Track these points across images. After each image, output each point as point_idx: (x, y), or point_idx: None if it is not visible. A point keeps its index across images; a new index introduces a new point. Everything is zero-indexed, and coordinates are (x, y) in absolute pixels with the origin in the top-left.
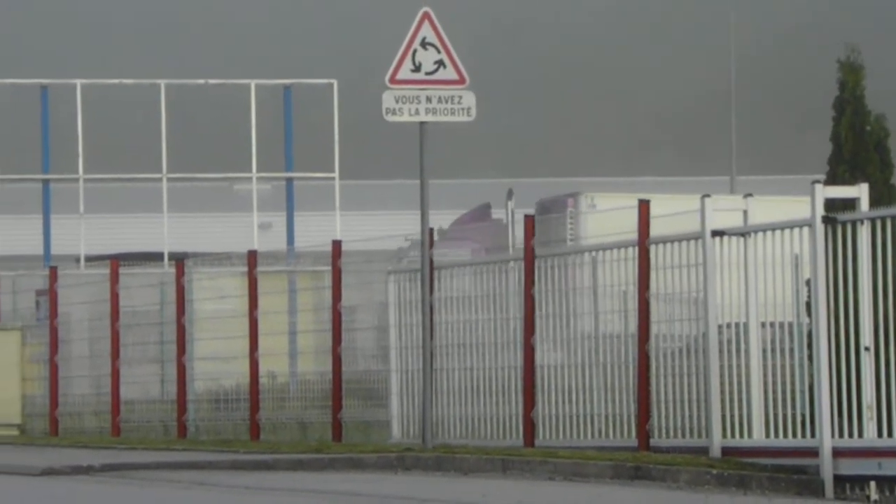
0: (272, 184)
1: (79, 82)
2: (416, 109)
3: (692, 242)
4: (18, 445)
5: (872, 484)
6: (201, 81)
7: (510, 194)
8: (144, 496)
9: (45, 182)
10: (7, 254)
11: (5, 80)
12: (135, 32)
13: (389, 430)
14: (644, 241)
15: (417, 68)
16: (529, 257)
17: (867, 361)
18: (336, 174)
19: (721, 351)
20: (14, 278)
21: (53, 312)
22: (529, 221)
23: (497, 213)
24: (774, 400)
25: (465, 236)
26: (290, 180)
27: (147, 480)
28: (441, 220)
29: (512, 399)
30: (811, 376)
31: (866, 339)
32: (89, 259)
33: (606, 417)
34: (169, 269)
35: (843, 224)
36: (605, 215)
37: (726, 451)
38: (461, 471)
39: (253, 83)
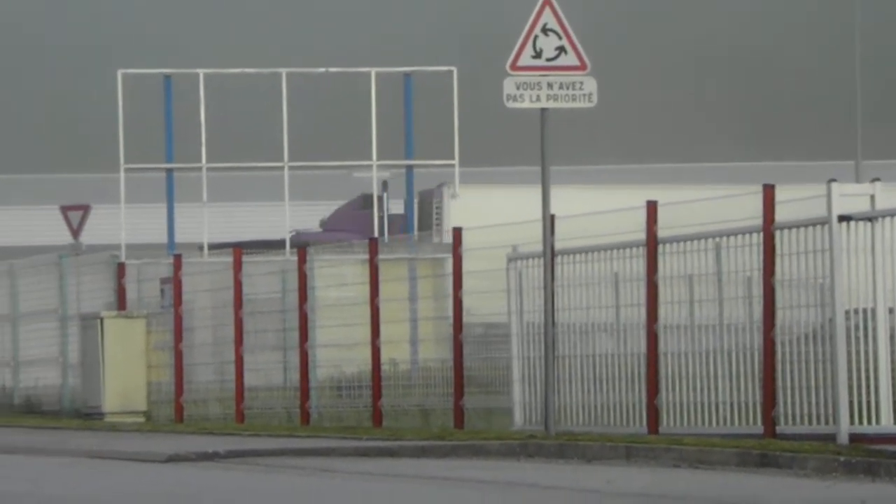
0: (391, 171)
1: (202, 72)
2: (537, 96)
3: (818, 228)
4: (144, 432)
5: None
6: (322, 70)
7: (385, 186)
8: (269, 482)
9: (169, 171)
10: (132, 242)
11: (129, 70)
12: (256, 21)
13: (511, 418)
14: (769, 226)
15: (538, 55)
16: (652, 243)
17: None
18: (456, 161)
19: (848, 337)
20: (139, 266)
21: (178, 300)
22: (652, 207)
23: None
24: None
25: (342, 227)
26: (409, 168)
27: (271, 467)
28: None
29: (635, 386)
30: None
31: None
32: (212, 247)
33: (731, 405)
34: (291, 257)
35: None
36: (469, 204)
37: (854, 438)
38: (584, 458)
39: (373, 71)
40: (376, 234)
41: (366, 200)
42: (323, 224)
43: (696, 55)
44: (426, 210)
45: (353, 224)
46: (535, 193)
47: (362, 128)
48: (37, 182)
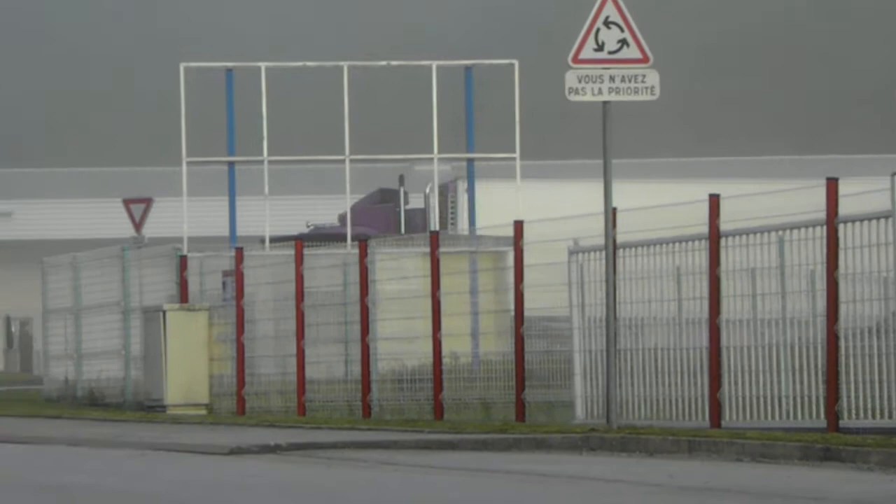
0: (451, 164)
1: (263, 65)
2: (599, 89)
3: (882, 221)
4: (206, 425)
5: None
6: (383, 63)
7: (401, 180)
8: (332, 475)
9: (231, 164)
10: (194, 235)
11: (192, 63)
12: (316, 14)
13: (573, 411)
14: (832, 219)
15: (600, 47)
16: (714, 236)
17: None
18: (517, 154)
19: None
20: (201, 259)
21: (239, 293)
22: (714, 200)
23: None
24: None
25: (359, 222)
26: (470, 161)
27: (333, 459)
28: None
29: (697, 380)
30: None
31: None
32: (274, 240)
33: (794, 398)
34: (352, 250)
35: None
36: (485, 200)
37: None
38: (646, 452)
39: (434, 64)
40: (395, 228)
41: (383, 195)
42: (341, 219)
43: (755, 46)
44: (444, 204)
45: (370, 219)
46: (550, 188)
47: (424, 121)
48: (100, 175)
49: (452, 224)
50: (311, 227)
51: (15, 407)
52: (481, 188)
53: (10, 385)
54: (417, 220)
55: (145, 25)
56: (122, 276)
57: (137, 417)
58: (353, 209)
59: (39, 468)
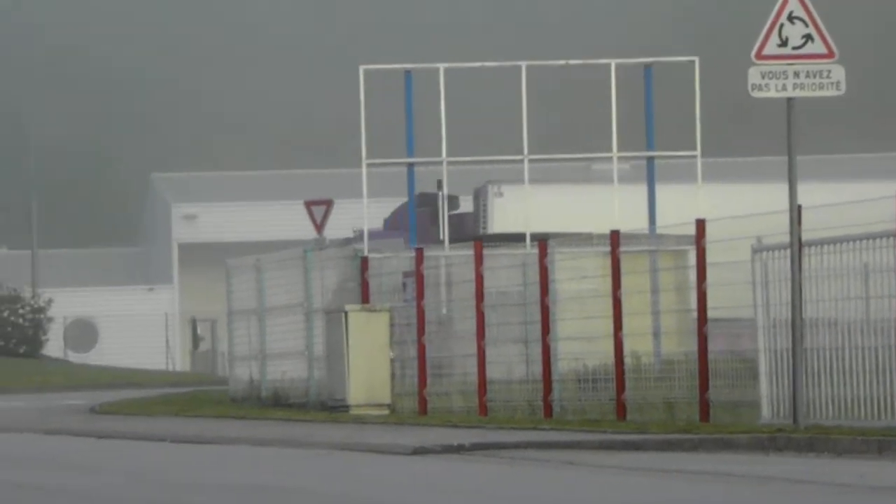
0: (630, 163)
1: (442, 66)
2: (783, 85)
3: None
4: (389, 425)
5: None
6: (562, 62)
7: (440, 185)
8: (516, 475)
9: (410, 166)
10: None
11: (371, 66)
12: (494, 14)
13: (758, 411)
14: None
15: (784, 43)
16: None
17: None
18: (698, 152)
19: None
20: (381, 260)
21: (420, 294)
22: None
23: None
24: None
25: (401, 225)
26: (650, 159)
27: (516, 459)
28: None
29: (887, 379)
30: None
31: None
32: (453, 241)
33: None
34: (532, 250)
35: None
36: (513, 204)
37: None
38: (834, 452)
39: (613, 62)
40: (435, 232)
41: (422, 199)
42: (385, 223)
43: None
44: (478, 207)
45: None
46: (582, 191)
47: (603, 119)
48: (281, 178)
49: (484, 228)
50: (357, 232)
51: (201, 408)
52: (511, 192)
53: (196, 386)
54: (468, 224)
55: (324, 29)
56: (305, 277)
57: (321, 418)
58: (396, 212)
59: (227, 469)
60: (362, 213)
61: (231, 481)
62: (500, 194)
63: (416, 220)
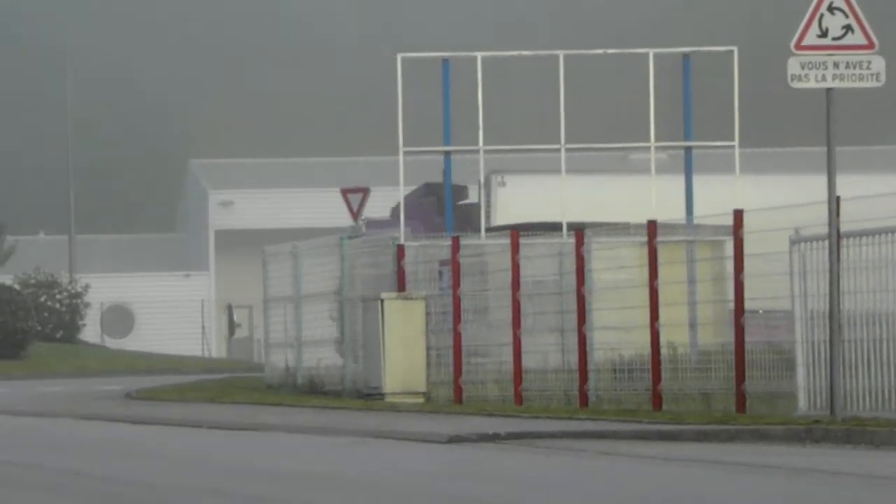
0: (668, 152)
1: (479, 55)
2: (823, 76)
3: None
4: (424, 413)
5: None
6: (600, 51)
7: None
8: (551, 464)
9: (447, 154)
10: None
11: (408, 54)
12: (532, 3)
13: (795, 402)
14: None
15: (824, 33)
16: None
17: None
18: (736, 142)
19: None
20: (417, 248)
21: (456, 282)
22: None
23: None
24: None
25: (408, 215)
26: (688, 149)
27: (551, 449)
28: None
29: None
30: None
31: None
32: (489, 229)
33: None
34: (568, 240)
35: None
36: (515, 195)
37: None
38: (872, 444)
39: (651, 52)
40: (442, 222)
41: (428, 189)
42: (392, 212)
43: None
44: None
45: (417, 213)
46: (578, 180)
47: (640, 109)
48: (318, 165)
49: (488, 217)
50: (364, 220)
51: (237, 394)
52: (514, 182)
53: (231, 372)
54: (474, 214)
55: (365, 18)
56: (341, 264)
57: (356, 405)
58: (399, 203)
59: (263, 455)
60: (399, 200)
61: (268, 468)
62: (503, 184)
63: (423, 209)
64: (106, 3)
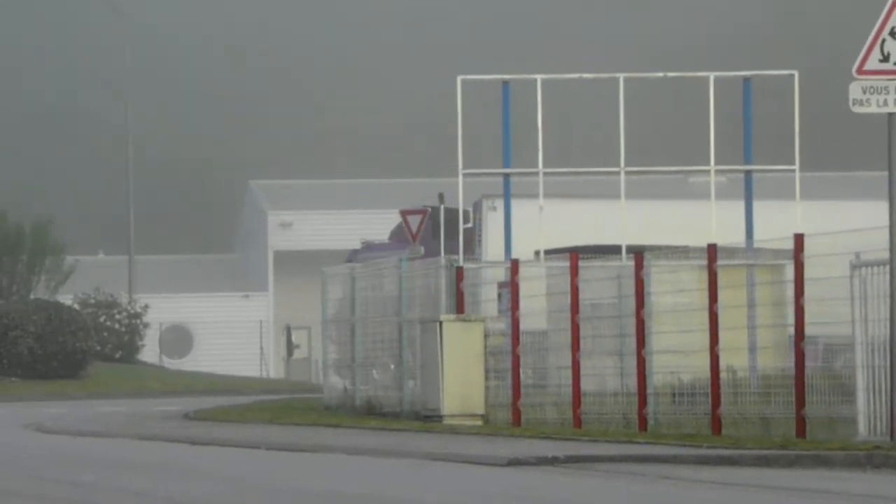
0: (727, 175)
1: (539, 77)
2: (885, 100)
3: None
4: (483, 435)
5: None
6: (660, 75)
7: (441, 198)
8: (611, 489)
9: (506, 176)
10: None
11: (469, 76)
12: (588, 29)
13: (855, 427)
14: None
15: (886, 58)
16: None
17: None
18: (796, 166)
19: None
20: (475, 270)
21: (514, 304)
22: None
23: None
24: None
25: (404, 239)
26: (748, 173)
27: (610, 473)
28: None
29: None
30: None
31: None
32: (548, 252)
33: None
34: (627, 262)
35: None
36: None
37: None
38: None
39: (712, 75)
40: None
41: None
42: (391, 235)
43: None
44: (473, 224)
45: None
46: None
47: (700, 132)
48: (377, 186)
49: (479, 246)
50: (364, 244)
51: (295, 415)
52: (516, 206)
53: (290, 393)
54: (473, 238)
55: (423, 39)
56: (399, 286)
57: (415, 427)
58: (397, 227)
59: (322, 477)
60: (458, 221)
61: (327, 490)
62: (494, 208)
63: (419, 233)
64: (167, 26)
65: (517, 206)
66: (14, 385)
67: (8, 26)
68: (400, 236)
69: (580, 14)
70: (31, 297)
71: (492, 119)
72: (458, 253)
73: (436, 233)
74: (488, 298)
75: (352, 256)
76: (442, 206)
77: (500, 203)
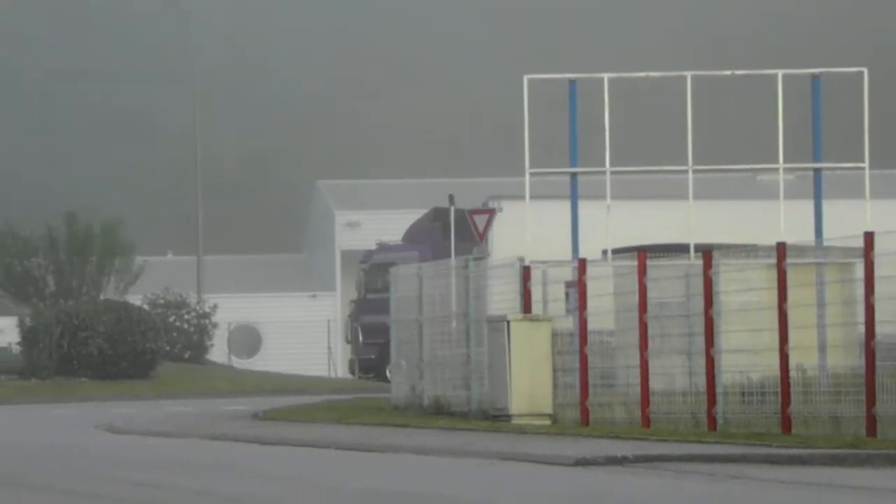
0: (795, 174)
1: (606, 76)
2: None
3: None
4: (551, 435)
5: None
6: (728, 73)
7: (451, 200)
8: (680, 488)
9: (573, 175)
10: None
11: (535, 75)
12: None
13: None
14: None
15: None
16: None
17: None
18: (866, 164)
19: None
20: (544, 270)
21: (582, 304)
22: None
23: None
24: None
25: (418, 240)
26: (817, 171)
27: (680, 472)
28: None
29: None
30: None
31: None
32: (616, 251)
33: None
34: (695, 261)
35: None
36: (511, 220)
37: None
38: None
39: (780, 73)
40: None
41: (436, 213)
42: (405, 236)
43: None
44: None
45: (427, 237)
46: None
47: (768, 130)
48: (444, 186)
49: (484, 242)
50: (379, 245)
51: (363, 415)
52: (511, 208)
53: (358, 393)
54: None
55: (491, 38)
56: (467, 286)
57: (483, 427)
58: (413, 227)
59: (392, 476)
60: (525, 220)
61: (396, 489)
62: (501, 210)
63: (430, 233)
64: (234, 27)
65: (515, 207)
66: (84, 385)
67: (77, 30)
68: (413, 237)
69: (653, 13)
70: (101, 297)
71: (540, 119)
72: (471, 253)
73: (446, 233)
74: (556, 298)
75: (366, 257)
76: (452, 208)
77: (506, 204)
